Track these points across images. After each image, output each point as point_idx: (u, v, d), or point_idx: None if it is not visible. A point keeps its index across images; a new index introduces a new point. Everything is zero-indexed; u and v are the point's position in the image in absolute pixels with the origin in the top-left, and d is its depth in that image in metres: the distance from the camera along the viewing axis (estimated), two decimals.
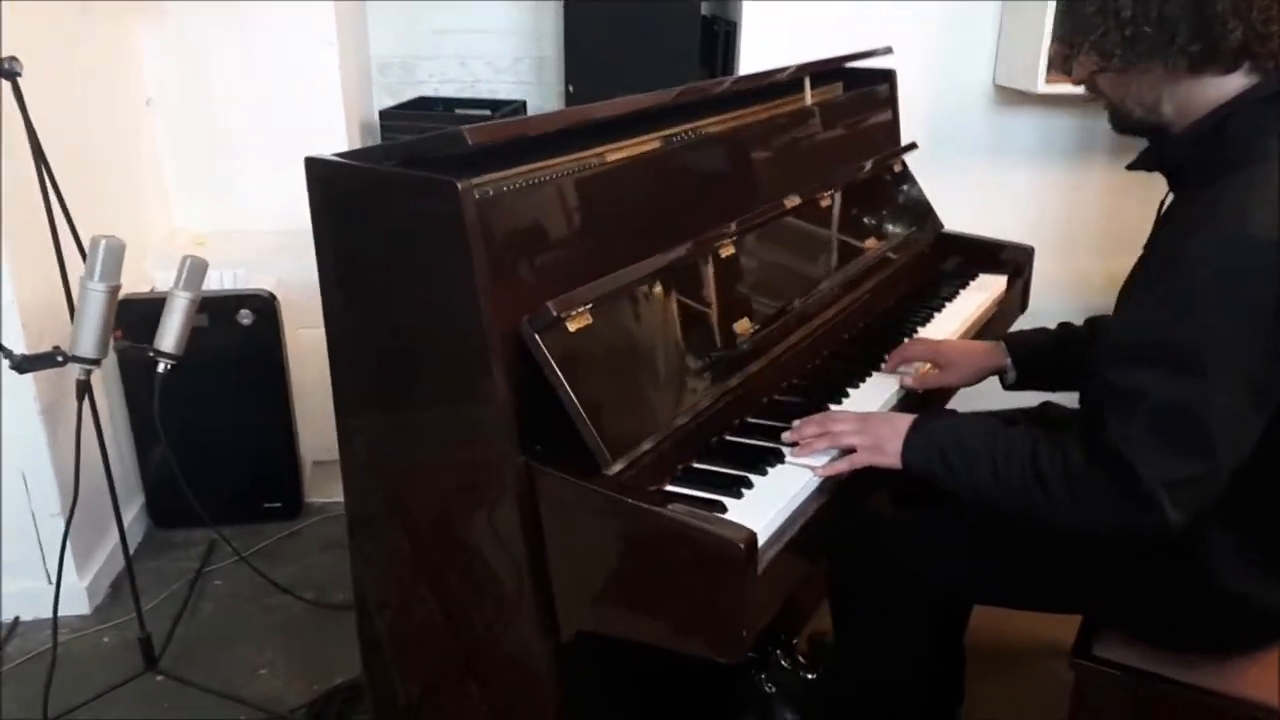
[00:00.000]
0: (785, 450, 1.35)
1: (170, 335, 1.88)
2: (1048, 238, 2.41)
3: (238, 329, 2.30)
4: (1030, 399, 1.68)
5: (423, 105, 3.14)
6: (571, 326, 1.21)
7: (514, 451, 1.19)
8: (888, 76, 2.19)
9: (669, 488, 1.27)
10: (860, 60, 2.06)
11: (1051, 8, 2.61)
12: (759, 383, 1.51)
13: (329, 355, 1.36)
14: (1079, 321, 1.62)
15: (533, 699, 1.34)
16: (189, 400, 2.13)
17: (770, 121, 1.80)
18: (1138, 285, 1.18)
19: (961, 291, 2.02)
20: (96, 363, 1.79)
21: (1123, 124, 1.26)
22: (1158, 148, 1.23)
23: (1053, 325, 1.64)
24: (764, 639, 1.84)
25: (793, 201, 1.69)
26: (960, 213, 2.25)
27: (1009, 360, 1.62)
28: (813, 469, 1.31)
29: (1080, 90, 2.71)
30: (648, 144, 1.54)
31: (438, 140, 1.15)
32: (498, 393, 1.17)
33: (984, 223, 2.27)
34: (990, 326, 2.00)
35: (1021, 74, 2.77)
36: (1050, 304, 2.30)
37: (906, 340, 1.71)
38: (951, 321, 1.87)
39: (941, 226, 2.20)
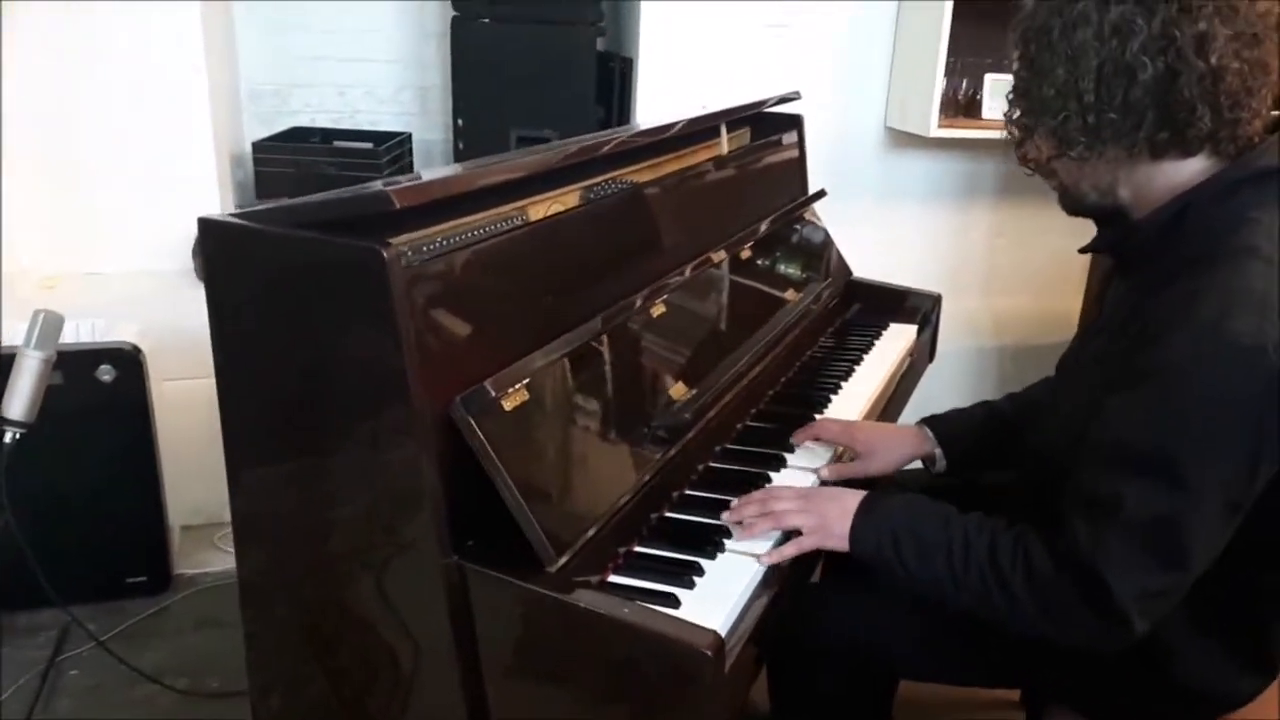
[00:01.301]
0: (729, 529, 1.26)
1: (20, 401, 1.64)
2: (936, 278, 2.40)
3: (98, 387, 2.06)
4: None
5: (298, 136, 2.94)
6: (507, 406, 1.10)
7: (445, 551, 1.06)
8: (796, 121, 2.16)
9: (613, 578, 1.15)
10: (773, 105, 2.02)
11: (944, 52, 2.65)
12: (693, 450, 1.42)
13: (221, 414, 1.19)
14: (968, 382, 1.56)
15: None
16: (41, 465, 1.90)
17: (690, 170, 1.73)
18: (1107, 384, 1.10)
19: (876, 342, 1.99)
20: None
21: (1075, 207, 1.20)
22: (1118, 234, 1.18)
23: (943, 369, 1.55)
24: None
25: (719, 255, 1.62)
26: (851, 255, 2.23)
27: (937, 448, 1.51)
28: (756, 558, 1.21)
29: (971, 134, 2.77)
30: (567, 196, 1.44)
31: (357, 201, 1.02)
32: (426, 486, 1.04)
33: (874, 264, 2.26)
34: (906, 378, 1.97)
35: (914, 117, 2.80)
36: (939, 345, 2.29)
37: (818, 418, 1.57)
38: (874, 375, 1.83)
39: (850, 274, 2.18)
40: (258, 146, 2.76)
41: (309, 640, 1.25)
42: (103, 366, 2.07)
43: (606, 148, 1.43)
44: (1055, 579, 1.08)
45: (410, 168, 3.05)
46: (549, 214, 1.37)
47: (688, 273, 1.51)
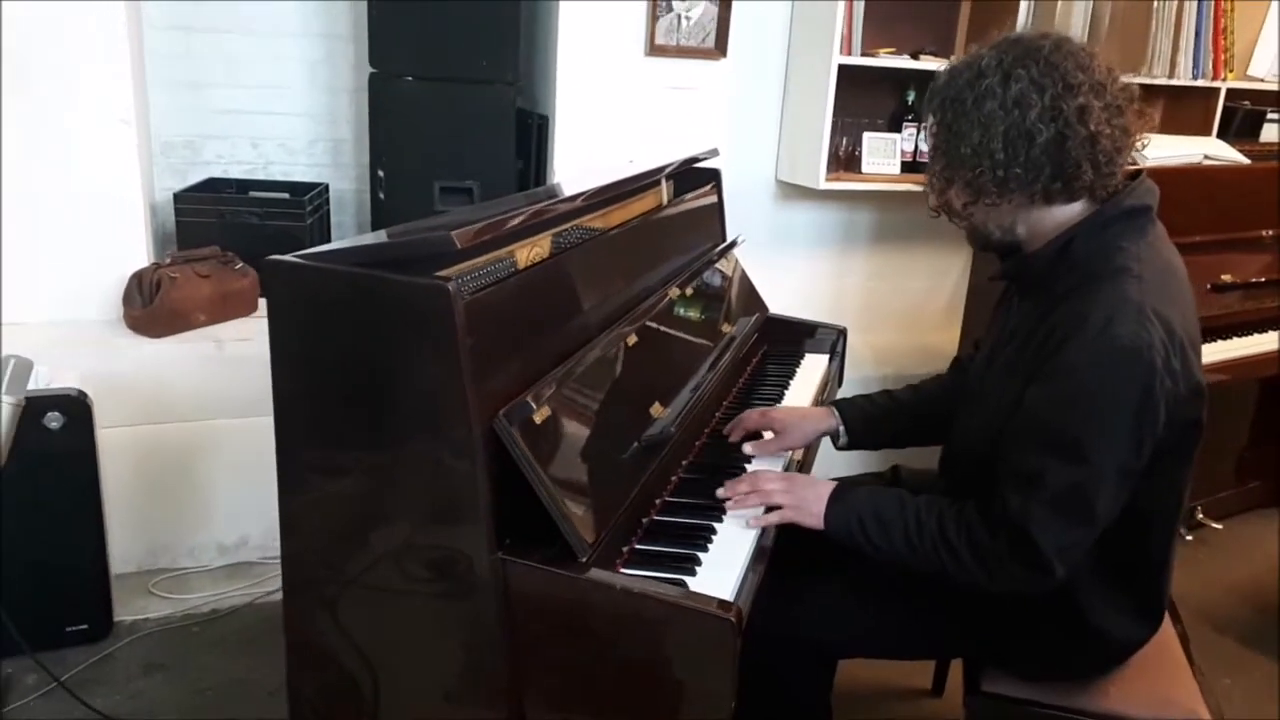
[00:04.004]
0: (716, 526, 1.45)
1: None
2: (820, 316, 2.66)
3: (45, 434, 2.07)
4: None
5: (215, 188, 2.99)
6: (538, 420, 1.25)
7: (492, 548, 1.20)
8: (714, 175, 2.39)
9: (625, 571, 1.32)
10: (699, 161, 2.24)
11: (830, 113, 2.95)
12: (667, 462, 1.60)
13: (276, 440, 1.30)
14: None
15: None
16: None
17: (639, 217, 1.93)
18: (1015, 386, 1.36)
19: (798, 370, 2.23)
20: None
21: (982, 243, 1.47)
22: (1018, 264, 1.45)
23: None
24: None
25: (674, 291, 1.82)
26: None
27: (840, 425, 1.77)
28: (747, 521, 1.45)
29: (853, 187, 3.06)
30: (543, 241, 1.61)
31: (423, 243, 1.17)
32: (480, 493, 1.18)
33: (768, 303, 2.49)
34: (823, 401, 2.21)
35: (804, 172, 3.09)
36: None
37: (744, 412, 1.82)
38: (803, 397, 2.06)
39: (767, 310, 2.42)
40: (179, 197, 2.80)
41: (356, 649, 1.35)
42: (51, 413, 2.08)
43: (582, 199, 1.62)
44: (992, 541, 1.33)
45: (328, 217, 3.14)
46: (532, 257, 1.55)
47: (655, 304, 1.70)
